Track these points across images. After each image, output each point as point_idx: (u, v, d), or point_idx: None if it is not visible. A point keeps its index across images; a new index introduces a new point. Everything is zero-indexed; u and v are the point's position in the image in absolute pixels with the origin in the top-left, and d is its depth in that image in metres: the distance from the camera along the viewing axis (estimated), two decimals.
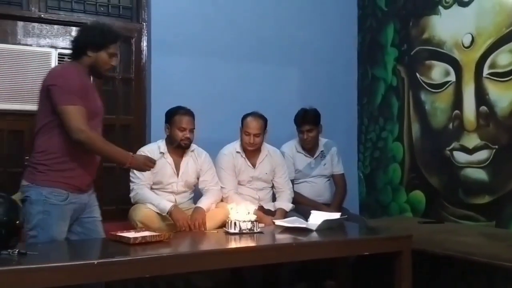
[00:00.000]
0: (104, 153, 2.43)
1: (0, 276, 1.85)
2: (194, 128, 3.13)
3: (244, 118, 3.38)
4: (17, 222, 2.13)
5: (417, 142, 3.98)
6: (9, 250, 2.04)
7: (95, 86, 2.63)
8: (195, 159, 3.22)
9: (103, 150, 2.41)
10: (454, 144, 3.63)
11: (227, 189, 3.27)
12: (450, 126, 3.67)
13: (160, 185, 3.12)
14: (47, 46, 3.49)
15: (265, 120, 3.37)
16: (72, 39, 2.58)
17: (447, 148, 3.68)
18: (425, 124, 3.90)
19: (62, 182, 2.38)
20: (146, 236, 2.37)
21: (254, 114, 3.37)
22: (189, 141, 3.12)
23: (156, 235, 2.39)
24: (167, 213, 2.92)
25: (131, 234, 2.38)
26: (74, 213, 2.44)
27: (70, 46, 2.55)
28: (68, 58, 2.59)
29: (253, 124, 3.32)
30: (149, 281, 2.95)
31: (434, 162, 3.81)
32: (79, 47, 2.51)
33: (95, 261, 2.00)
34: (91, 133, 2.34)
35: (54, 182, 2.37)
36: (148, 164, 2.52)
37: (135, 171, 3.06)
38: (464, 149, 3.56)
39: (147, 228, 2.81)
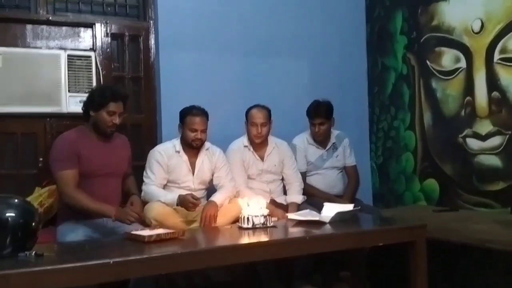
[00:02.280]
0: (89, 210, 2.65)
1: (18, 277, 1.88)
2: (206, 129, 3.13)
3: (248, 111, 3.39)
4: (33, 224, 2.16)
5: (429, 130, 3.95)
6: (26, 252, 2.07)
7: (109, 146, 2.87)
8: (210, 157, 3.23)
9: (88, 208, 2.64)
10: (467, 131, 3.60)
11: (237, 184, 3.28)
12: (462, 113, 3.64)
13: (176, 183, 3.14)
14: (56, 48, 3.52)
15: (269, 111, 3.38)
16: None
17: (460, 135, 3.65)
18: (437, 112, 3.87)
19: None
20: (161, 233, 2.39)
21: (258, 106, 3.38)
22: (201, 141, 3.13)
23: (170, 232, 2.41)
24: (177, 204, 2.94)
25: (145, 232, 2.40)
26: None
27: (82, 110, 2.87)
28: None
29: (258, 115, 3.33)
30: (166, 277, 2.98)
31: (447, 150, 3.78)
32: (85, 109, 2.82)
33: (111, 261, 2.02)
34: (76, 195, 2.63)
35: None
36: (132, 215, 2.60)
37: (147, 170, 3.09)
38: (477, 136, 3.53)
39: (161, 225, 2.84)
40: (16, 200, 2.21)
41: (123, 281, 2.65)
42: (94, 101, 2.78)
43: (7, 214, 2.08)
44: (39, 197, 3.03)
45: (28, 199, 2.89)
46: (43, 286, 1.96)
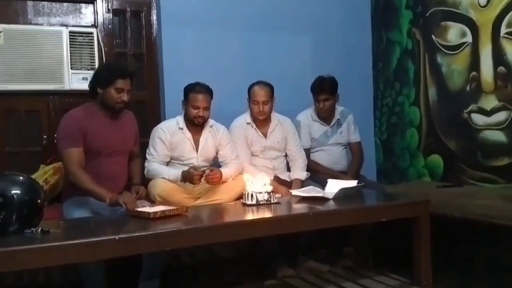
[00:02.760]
0: (88, 192, 2.64)
1: (24, 254, 1.90)
2: (208, 106, 3.11)
3: (250, 87, 3.36)
4: (39, 201, 2.18)
5: (434, 105, 3.93)
6: (32, 229, 2.10)
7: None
8: (214, 135, 3.23)
9: (86, 188, 2.63)
10: (472, 107, 3.58)
11: (241, 161, 3.28)
12: (468, 88, 3.61)
13: (180, 161, 3.15)
14: (58, 25, 3.49)
15: (271, 88, 3.35)
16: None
17: (465, 111, 3.63)
18: (442, 87, 3.84)
19: None
20: (165, 210, 2.40)
21: (260, 83, 3.35)
22: (203, 119, 3.12)
23: (174, 209, 2.43)
24: (181, 180, 2.95)
25: (150, 209, 2.41)
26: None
27: (88, 87, 2.87)
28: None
29: (260, 92, 3.31)
30: (172, 253, 3.01)
31: (452, 125, 3.77)
32: (92, 86, 2.81)
33: (116, 237, 2.04)
34: (79, 175, 2.64)
35: None
36: (125, 203, 2.55)
37: (150, 148, 3.10)
38: (482, 111, 3.51)
39: (166, 201, 2.86)
40: (21, 178, 2.23)
41: (136, 261, 2.71)
42: (101, 78, 2.77)
43: (13, 192, 2.10)
44: (44, 175, 3.05)
45: (33, 176, 2.90)
46: (50, 262, 2.00)
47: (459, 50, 3.67)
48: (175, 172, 3.00)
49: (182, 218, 2.65)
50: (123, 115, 2.93)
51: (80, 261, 2.36)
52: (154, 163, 3.06)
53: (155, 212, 2.33)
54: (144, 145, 3.18)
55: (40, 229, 2.10)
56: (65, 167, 2.75)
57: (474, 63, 3.55)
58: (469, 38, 3.58)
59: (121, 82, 2.75)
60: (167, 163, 3.14)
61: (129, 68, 3.03)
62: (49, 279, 2.96)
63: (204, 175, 2.93)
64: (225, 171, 3.08)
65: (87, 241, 2.02)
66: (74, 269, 2.70)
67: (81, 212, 2.60)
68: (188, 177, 2.93)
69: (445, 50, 3.79)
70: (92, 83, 2.83)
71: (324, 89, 3.52)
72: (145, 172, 3.06)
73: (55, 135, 2.85)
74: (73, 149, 2.68)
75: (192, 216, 2.71)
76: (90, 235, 2.08)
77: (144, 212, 2.36)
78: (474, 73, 3.55)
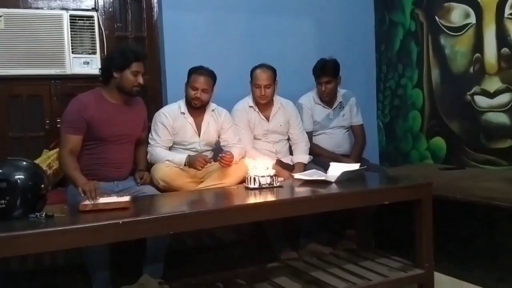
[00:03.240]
0: (69, 176, 2.70)
1: (29, 238, 1.92)
2: (207, 89, 3.09)
3: (252, 70, 3.34)
4: (42, 186, 2.19)
5: (437, 88, 3.91)
6: (36, 214, 2.11)
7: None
8: (216, 119, 3.22)
9: (69, 175, 2.69)
10: (475, 89, 3.56)
11: (243, 145, 3.28)
12: (471, 70, 3.59)
13: (182, 145, 3.15)
14: (58, 9, 3.46)
15: (274, 71, 3.33)
16: (100, 66, 2.88)
17: (468, 93, 3.61)
18: (445, 69, 3.82)
19: None
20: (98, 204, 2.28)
21: (262, 66, 3.33)
22: (200, 101, 3.10)
23: (112, 203, 2.31)
24: (185, 165, 2.96)
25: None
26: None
27: (99, 72, 2.87)
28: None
29: (262, 76, 3.29)
30: (175, 237, 3.03)
31: (455, 108, 3.75)
32: (105, 71, 2.81)
33: (120, 221, 2.05)
34: (66, 160, 2.69)
35: None
36: (92, 191, 2.47)
37: (153, 132, 3.10)
38: (485, 93, 3.49)
39: (169, 185, 2.87)
40: (24, 163, 2.24)
41: (140, 244, 2.73)
42: (116, 63, 2.76)
43: (16, 177, 2.12)
44: (47, 159, 3.06)
45: (37, 161, 2.92)
46: (54, 246, 2.01)
47: (462, 32, 3.63)
48: (180, 156, 3.01)
49: (187, 202, 2.68)
50: (133, 101, 2.93)
51: (84, 245, 2.38)
52: (157, 148, 3.07)
53: (85, 205, 2.23)
54: (147, 131, 3.17)
55: (44, 213, 2.12)
56: (59, 148, 2.79)
57: (478, 44, 3.52)
58: (472, 19, 3.54)
59: (136, 65, 2.77)
60: (170, 148, 3.14)
61: (143, 50, 3.05)
62: (54, 263, 2.99)
63: (210, 160, 2.93)
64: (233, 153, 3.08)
65: (91, 225, 2.03)
66: (78, 252, 2.73)
67: (84, 196, 2.61)
68: (192, 162, 2.94)
69: (448, 32, 3.76)
70: (106, 67, 2.81)
71: (326, 72, 3.50)
72: (148, 156, 3.06)
73: (59, 119, 2.88)
74: (70, 136, 2.70)
75: (195, 200, 2.73)
76: (94, 219, 2.09)
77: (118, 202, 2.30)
78: (477, 54, 3.53)
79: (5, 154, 3.21)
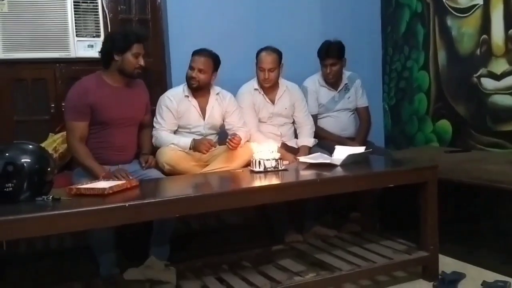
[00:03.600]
0: (84, 166, 2.69)
1: (36, 221, 1.93)
2: (203, 69, 3.06)
3: (258, 53, 3.32)
4: (48, 169, 2.20)
5: (443, 70, 3.88)
6: (43, 197, 2.12)
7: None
8: (220, 102, 3.21)
9: (83, 165, 2.69)
10: (482, 71, 3.53)
11: (248, 128, 3.28)
12: (478, 52, 3.55)
13: (187, 129, 3.15)
14: None
15: (279, 54, 3.31)
16: (99, 49, 2.84)
17: (475, 75, 3.58)
18: (451, 51, 3.78)
19: None
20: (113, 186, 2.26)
21: (268, 49, 3.30)
22: (195, 81, 3.07)
23: (122, 183, 2.32)
24: (190, 148, 2.96)
25: (99, 185, 2.30)
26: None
27: (99, 56, 2.83)
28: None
29: (266, 59, 3.26)
30: (181, 220, 3.05)
31: (461, 90, 3.73)
32: (106, 54, 2.78)
33: (126, 204, 2.06)
34: (78, 149, 2.70)
35: None
36: (119, 175, 2.58)
37: (157, 116, 3.10)
38: (492, 75, 3.46)
39: (174, 168, 2.88)
40: (30, 146, 2.24)
41: (146, 227, 2.76)
42: (117, 45, 2.74)
43: (23, 160, 2.12)
44: (53, 143, 3.07)
45: (42, 145, 2.93)
46: (61, 229, 2.03)
47: (469, 13, 3.59)
48: (185, 139, 3.01)
49: (192, 185, 2.69)
50: (134, 84, 2.92)
51: (91, 228, 2.40)
52: (162, 132, 3.07)
53: (110, 187, 2.21)
54: (151, 114, 3.17)
55: (51, 197, 2.13)
56: (66, 138, 2.79)
57: (485, 26, 3.48)
58: (480, 0, 3.50)
59: (137, 47, 2.76)
60: (175, 132, 3.15)
61: (144, 31, 3.04)
62: (61, 245, 3.02)
63: (215, 144, 2.93)
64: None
65: (97, 208, 2.04)
66: (85, 235, 2.75)
67: (89, 180, 2.62)
68: (197, 146, 2.94)
69: (455, 13, 3.72)
70: (106, 50, 2.79)
71: (331, 54, 3.47)
72: (153, 140, 3.07)
73: (63, 103, 2.87)
74: (76, 123, 2.70)
75: (201, 183, 2.74)
76: (100, 202, 2.10)
77: (96, 188, 2.25)
78: (484, 36, 3.49)
79: (11, 138, 3.23)
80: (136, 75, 2.83)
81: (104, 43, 2.83)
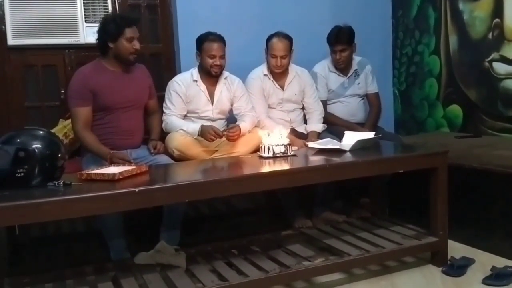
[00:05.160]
0: (91, 149, 2.72)
1: (48, 206, 1.95)
2: (224, 54, 3.08)
3: (268, 39, 3.29)
4: (59, 155, 2.22)
5: (454, 54, 3.84)
6: (54, 182, 2.15)
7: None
8: (228, 87, 3.20)
9: (90, 148, 2.72)
10: (494, 55, 3.48)
11: (257, 113, 3.27)
12: (490, 36, 3.50)
13: (196, 114, 3.15)
14: None
15: (290, 40, 3.28)
16: (96, 38, 2.84)
17: (486, 60, 3.54)
18: (463, 35, 3.74)
19: None
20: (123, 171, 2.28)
21: (279, 35, 3.27)
22: (220, 68, 3.09)
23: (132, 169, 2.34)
24: (198, 134, 2.97)
25: (109, 170, 2.32)
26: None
27: (96, 45, 2.84)
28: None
29: (278, 46, 3.24)
30: (191, 205, 3.08)
31: (473, 75, 3.69)
32: (101, 42, 2.79)
33: (136, 189, 2.08)
34: (83, 135, 2.72)
35: None
36: (124, 160, 2.60)
37: (167, 101, 3.10)
38: (504, 60, 3.42)
39: (183, 154, 2.89)
40: (41, 132, 2.26)
41: (157, 212, 2.78)
42: (109, 32, 2.76)
43: (34, 146, 2.14)
44: (64, 129, 3.09)
45: (53, 131, 2.95)
46: (73, 213, 2.05)
47: None
48: (194, 125, 3.02)
49: (201, 170, 2.71)
50: (135, 68, 2.92)
51: (102, 213, 2.43)
52: (172, 117, 3.07)
53: (120, 173, 2.23)
54: (159, 99, 3.18)
55: (62, 182, 2.15)
56: (72, 126, 2.82)
57: (497, 9, 3.43)
58: None
59: (130, 31, 2.75)
60: (184, 117, 3.15)
61: (133, 15, 3.03)
62: (72, 230, 3.06)
63: (221, 134, 2.93)
64: (243, 125, 3.08)
65: (108, 193, 2.06)
66: (96, 220, 2.78)
67: (99, 165, 2.64)
68: (204, 133, 2.94)
69: None
70: (101, 39, 2.80)
71: (341, 40, 3.44)
72: (163, 125, 3.08)
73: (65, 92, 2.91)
74: (79, 109, 2.72)
75: (210, 168, 2.76)
76: (111, 187, 2.12)
77: (106, 174, 2.26)
78: (497, 20, 3.44)
79: (22, 123, 3.26)
80: (133, 60, 2.83)
81: (98, 33, 2.83)
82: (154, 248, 2.56)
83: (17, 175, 2.09)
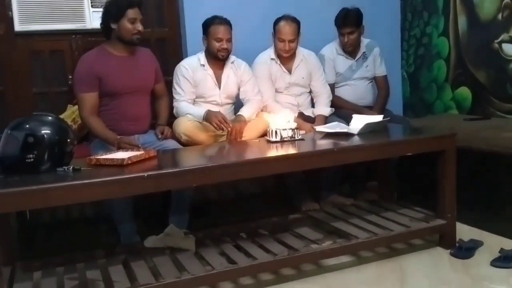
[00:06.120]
0: (98, 135, 2.74)
1: (58, 191, 1.97)
2: (230, 38, 3.07)
3: (276, 23, 3.27)
4: (68, 140, 2.24)
5: (463, 36, 3.79)
6: (64, 167, 2.16)
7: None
8: (235, 71, 3.19)
9: (97, 134, 2.74)
10: (503, 36, 3.44)
11: (265, 98, 3.26)
12: (499, 16, 3.45)
13: (204, 98, 3.15)
14: None
15: (298, 23, 3.25)
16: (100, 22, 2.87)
17: (496, 41, 3.50)
18: (472, 16, 3.69)
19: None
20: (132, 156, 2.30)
21: (287, 18, 3.24)
22: (227, 52, 3.08)
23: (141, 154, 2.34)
24: (203, 119, 2.97)
25: (118, 155, 2.33)
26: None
27: (100, 27, 2.88)
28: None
29: (286, 30, 3.21)
30: (199, 190, 3.09)
31: (482, 56, 3.65)
32: (104, 24, 2.81)
33: (145, 174, 2.09)
34: (90, 120, 2.74)
35: None
36: (132, 144, 2.62)
37: (176, 86, 3.10)
38: None
39: (190, 139, 2.89)
40: (50, 118, 2.27)
41: (165, 196, 2.80)
42: (111, 13, 2.77)
43: (43, 131, 2.16)
44: (72, 115, 3.11)
45: (61, 116, 2.97)
46: (82, 198, 2.07)
47: None
48: (200, 110, 3.02)
49: (209, 155, 2.71)
50: (139, 52, 2.92)
51: (111, 198, 2.45)
52: (182, 102, 3.07)
53: (129, 158, 2.24)
54: (166, 84, 3.18)
55: (71, 167, 2.16)
56: (79, 112, 2.83)
57: None
58: None
59: (132, 12, 2.76)
60: (193, 101, 3.15)
61: None
62: (83, 214, 3.09)
63: (228, 123, 2.93)
64: (247, 111, 3.08)
65: (117, 178, 2.07)
66: (105, 204, 2.81)
67: (107, 150, 2.65)
68: (209, 117, 2.94)
69: None
70: (104, 21, 2.82)
71: (349, 22, 3.41)
72: (174, 111, 3.09)
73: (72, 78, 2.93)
74: (86, 95, 2.73)
75: (218, 153, 2.76)
76: (120, 172, 2.13)
77: (115, 159, 2.27)
78: (506, 0, 3.39)
79: (30, 109, 3.27)
80: (136, 41, 2.83)
81: (102, 14, 2.85)
82: (164, 231, 2.58)
83: (26, 160, 2.11)
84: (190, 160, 2.66)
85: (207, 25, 3.08)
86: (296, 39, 3.25)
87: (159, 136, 2.86)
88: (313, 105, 3.50)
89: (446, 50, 3.95)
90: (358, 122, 2.80)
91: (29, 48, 3.36)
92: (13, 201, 1.92)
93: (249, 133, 2.97)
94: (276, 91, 3.38)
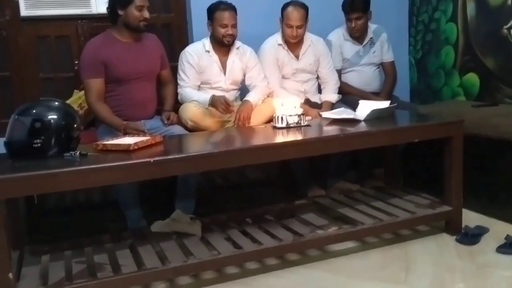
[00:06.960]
0: (105, 121, 2.75)
1: (65, 175, 1.99)
2: (235, 23, 3.05)
3: (284, 8, 3.24)
4: (75, 125, 2.25)
5: (472, 21, 3.75)
6: (71, 152, 2.18)
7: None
8: (241, 57, 3.18)
9: (104, 119, 2.75)
10: None
11: (271, 84, 3.25)
12: (509, 2, 3.41)
13: (209, 84, 3.14)
14: None
15: (306, 9, 3.22)
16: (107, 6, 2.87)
17: (505, 27, 3.45)
18: (481, 2, 3.64)
19: None
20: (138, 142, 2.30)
21: (295, 3, 3.21)
22: (232, 37, 3.06)
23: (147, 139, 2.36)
24: (209, 104, 2.97)
25: (125, 141, 2.34)
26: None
27: (107, 12, 2.88)
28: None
29: (294, 15, 3.19)
30: (204, 176, 3.10)
31: (490, 43, 3.60)
32: (111, 10, 2.81)
33: (151, 159, 2.10)
34: (96, 106, 2.75)
35: None
36: (138, 130, 2.63)
37: (180, 73, 3.09)
38: None
39: (197, 125, 2.89)
40: (56, 103, 2.29)
41: (172, 182, 2.81)
42: (119, 0, 2.76)
43: (50, 117, 2.17)
44: (78, 100, 3.11)
45: (68, 102, 2.97)
46: (89, 183, 2.09)
47: None
48: (205, 95, 3.01)
49: (214, 141, 2.72)
50: (145, 38, 2.92)
51: (118, 183, 2.46)
52: (187, 88, 3.07)
53: (135, 143, 2.25)
54: (172, 70, 3.17)
55: (78, 152, 2.18)
56: (85, 98, 2.84)
57: None
58: None
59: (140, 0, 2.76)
60: (198, 87, 3.14)
61: None
62: (89, 199, 3.11)
63: (232, 106, 2.92)
64: (253, 97, 3.07)
65: (124, 163, 2.08)
66: (112, 189, 2.82)
67: (113, 136, 2.65)
68: (215, 104, 2.94)
69: None
70: (111, 5, 2.82)
71: (356, 7, 3.38)
72: (179, 97, 3.08)
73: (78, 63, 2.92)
74: (92, 80, 2.74)
75: (223, 139, 2.76)
76: (126, 157, 2.14)
77: (122, 144, 2.28)
78: None
79: (37, 95, 3.28)
80: (142, 28, 2.83)
81: (108, 0, 2.85)
82: (170, 216, 2.60)
83: (34, 145, 2.13)
84: (196, 146, 2.67)
85: (212, 10, 3.06)
86: (304, 25, 3.23)
87: (165, 122, 2.86)
88: (320, 91, 3.48)
89: (454, 36, 3.91)
90: (365, 108, 2.79)
91: (35, 33, 3.36)
92: (22, 186, 1.94)
93: (256, 118, 2.97)
94: (283, 77, 3.36)
